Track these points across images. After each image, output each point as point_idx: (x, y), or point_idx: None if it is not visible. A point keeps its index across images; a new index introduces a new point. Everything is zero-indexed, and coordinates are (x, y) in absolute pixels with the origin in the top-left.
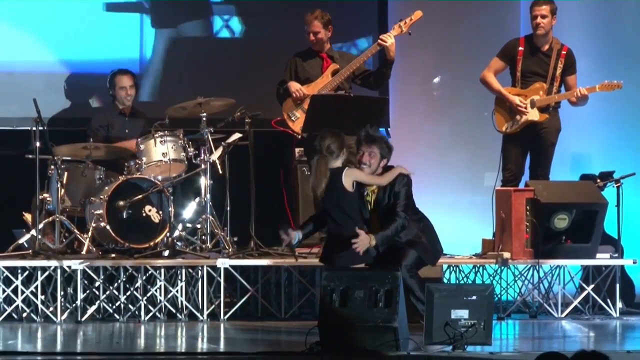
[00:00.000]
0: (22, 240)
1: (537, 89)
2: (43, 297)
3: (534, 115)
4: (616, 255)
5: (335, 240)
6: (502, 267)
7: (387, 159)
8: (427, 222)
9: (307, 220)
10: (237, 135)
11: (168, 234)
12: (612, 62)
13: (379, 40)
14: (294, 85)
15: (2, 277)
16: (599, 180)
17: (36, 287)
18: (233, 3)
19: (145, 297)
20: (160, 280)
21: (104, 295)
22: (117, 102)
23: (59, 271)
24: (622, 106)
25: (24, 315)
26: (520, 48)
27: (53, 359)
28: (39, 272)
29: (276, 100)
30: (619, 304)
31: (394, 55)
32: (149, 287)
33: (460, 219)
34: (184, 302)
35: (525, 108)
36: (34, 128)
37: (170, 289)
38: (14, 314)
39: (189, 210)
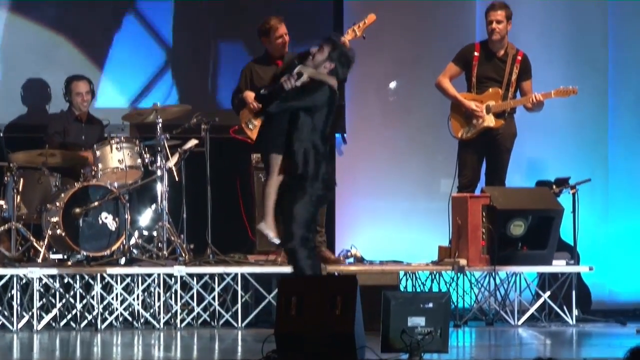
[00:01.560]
0: None
1: (492, 94)
2: None
3: (489, 121)
4: (572, 262)
5: None
6: (459, 275)
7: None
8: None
9: None
10: (193, 142)
11: (124, 242)
12: (569, 67)
13: None
14: (250, 97)
15: None
16: (554, 187)
17: None
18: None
19: (101, 305)
20: (116, 288)
21: (60, 304)
22: (74, 108)
23: (15, 279)
24: (578, 112)
25: None
26: (476, 53)
27: None
28: None
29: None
30: (576, 311)
31: None
32: (105, 295)
33: (416, 226)
34: (141, 311)
35: (481, 113)
36: None
37: (127, 297)
38: None
39: (146, 217)
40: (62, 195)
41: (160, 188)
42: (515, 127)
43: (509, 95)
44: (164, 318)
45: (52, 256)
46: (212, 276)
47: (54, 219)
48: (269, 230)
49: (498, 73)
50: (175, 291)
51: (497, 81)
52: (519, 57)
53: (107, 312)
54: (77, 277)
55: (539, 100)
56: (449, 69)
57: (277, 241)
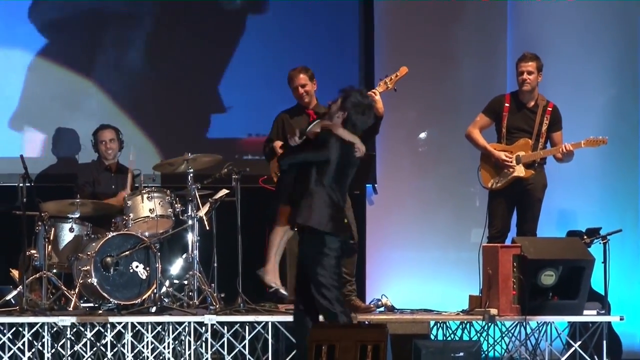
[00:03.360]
0: (9, 297)
1: (522, 145)
2: (30, 354)
3: (519, 171)
4: (603, 311)
5: None
6: (489, 324)
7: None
8: None
9: None
10: (224, 192)
11: (155, 290)
12: (600, 118)
13: None
14: (279, 146)
15: None
16: (585, 237)
17: (23, 344)
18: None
19: (132, 354)
20: (147, 337)
21: (91, 352)
22: (102, 158)
23: (46, 327)
24: (609, 162)
25: None
26: (506, 104)
27: None
28: (26, 329)
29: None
30: None
31: (382, 112)
32: (136, 343)
33: (446, 275)
34: (171, 359)
35: (511, 163)
36: (21, 184)
37: (158, 345)
38: None
39: (176, 266)
40: (93, 244)
41: (191, 237)
42: (546, 177)
43: (539, 146)
44: None
45: (83, 305)
46: (242, 325)
47: (85, 268)
48: (267, 276)
49: (528, 124)
50: (206, 340)
51: (527, 132)
52: (549, 109)
53: None
54: (108, 325)
55: (569, 150)
56: (479, 119)
57: (275, 286)
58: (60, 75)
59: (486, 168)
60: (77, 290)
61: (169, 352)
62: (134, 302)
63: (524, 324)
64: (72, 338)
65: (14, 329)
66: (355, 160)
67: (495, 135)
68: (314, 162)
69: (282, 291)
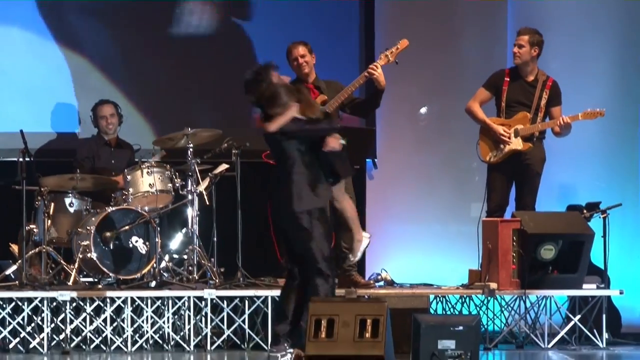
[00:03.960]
0: (8, 272)
1: (521, 118)
2: (30, 328)
3: (517, 144)
4: (603, 285)
5: None
6: (489, 298)
7: None
8: None
9: None
10: (224, 166)
11: (155, 265)
12: (602, 93)
13: (367, 71)
14: None
15: None
16: (585, 211)
17: (23, 319)
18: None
19: (132, 328)
20: (147, 311)
21: (91, 327)
22: (102, 133)
23: (45, 302)
24: (609, 137)
25: (11, 346)
26: (506, 79)
27: None
28: (26, 304)
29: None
30: (606, 335)
31: (384, 85)
32: (135, 318)
33: (447, 250)
34: (171, 333)
35: (509, 137)
36: (21, 159)
37: (157, 319)
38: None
39: (176, 241)
40: (93, 219)
41: (191, 212)
42: (544, 151)
43: (538, 119)
44: (194, 341)
45: (83, 279)
46: (242, 299)
47: (85, 243)
48: None
49: (527, 97)
50: (206, 314)
51: (526, 105)
52: (549, 83)
53: (137, 335)
54: (108, 300)
55: (566, 123)
56: (479, 93)
57: None
58: (57, 52)
59: (485, 141)
60: (76, 264)
61: (168, 327)
62: (133, 276)
63: (524, 298)
64: (72, 313)
65: (14, 303)
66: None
67: (495, 109)
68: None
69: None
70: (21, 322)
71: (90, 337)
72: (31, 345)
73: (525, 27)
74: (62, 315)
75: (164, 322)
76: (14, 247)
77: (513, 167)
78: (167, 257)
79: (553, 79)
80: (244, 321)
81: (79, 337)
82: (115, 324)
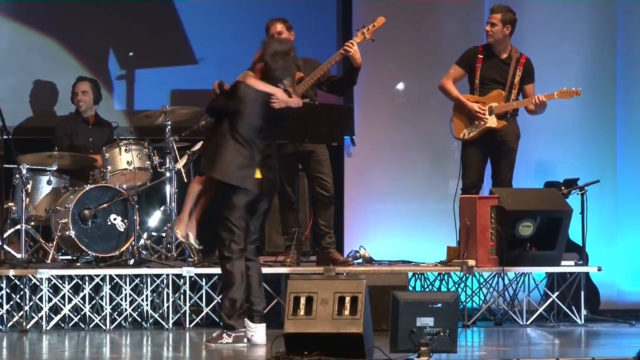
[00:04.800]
0: None
1: (495, 96)
2: (8, 306)
3: (492, 122)
4: (581, 262)
5: None
6: (467, 275)
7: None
8: None
9: None
10: (202, 144)
11: (133, 243)
12: (577, 69)
13: (343, 49)
14: None
15: None
16: (563, 188)
17: (1, 296)
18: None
19: (110, 306)
20: (125, 289)
21: (70, 305)
22: (81, 110)
23: (24, 280)
24: (586, 113)
25: None
26: (480, 56)
27: None
28: (4, 281)
29: None
30: (584, 311)
31: (360, 62)
32: (114, 295)
33: (425, 227)
34: (150, 311)
35: (484, 114)
36: None
37: (136, 297)
38: None
39: (154, 218)
40: (71, 196)
41: (169, 190)
42: (519, 128)
43: (512, 97)
44: (172, 319)
45: (61, 257)
46: (220, 277)
47: (63, 221)
48: (177, 226)
49: (501, 75)
50: (184, 292)
51: (500, 83)
52: (523, 60)
53: (116, 313)
54: (86, 278)
55: (541, 101)
56: (453, 71)
57: (181, 237)
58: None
59: (459, 118)
60: (55, 242)
61: (147, 305)
62: (112, 254)
63: (502, 274)
64: (50, 291)
65: None
66: (274, 111)
67: (469, 86)
68: (226, 113)
69: (192, 241)
70: (0, 300)
71: (68, 315)
72: (10, 324)
73: (498, 5)
74: (41, 294)
75: (142, 300)
76: None
77: (487, 144)
78: (145, 235)
79: (526, 56)
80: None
81: (58, 316)
82: (93, 302)
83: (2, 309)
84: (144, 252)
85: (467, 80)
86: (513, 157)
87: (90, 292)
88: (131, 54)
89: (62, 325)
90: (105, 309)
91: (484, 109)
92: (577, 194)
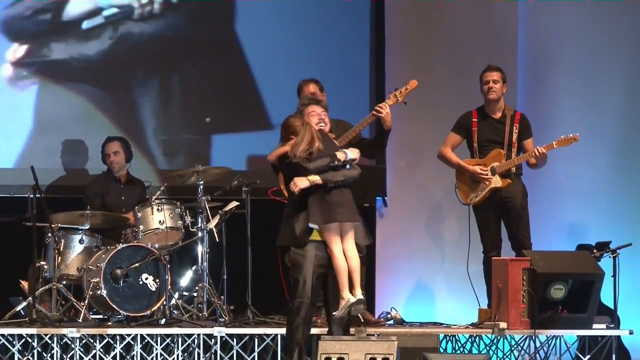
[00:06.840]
0: (18, 308)
1: (495, 156)
2: None
3: (496, 181)
4: (612, 325)
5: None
6: (499, 337)
7: None
8: None
9: None
10: (234, 204)
11: (165, 302)
12: (611, 129)
13: (375, 110)
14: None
15: None
16: (595, 251)
17: (32, 356)
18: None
19: None
20: (156, 349)
21: None
22: (114, 171)
23: (55, 339)
24: (619, 176)
25: None
26: (474, 119)
27: None
28: (36, 340)
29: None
30: None
31: (390, 125)
32: (145, 355)
33: (456, 288)
34: None
35: (487, 174)
36: (31, 195)
37: (167, 357)
38: None
39: (186, 278)
40: (103, 255)
41: (201, 249)
42: (524, 186)
43: (512, 155)
44: None
45: (93, 316)
46: (252, 337)
47: (95, 280)
48: None
49: (498, 135)
50: (215, 352)
51: (498, 143)
52: (517, 117)
53: None
54: (117, 337)
55: (541, 153)
56: (450, 138)
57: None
58: (63, 91)
59: (463, 183)
60: (86, 301)
61: None
62: (143, 314)
63: (533, 337)
64: (81, 350)
65: (23, 340)
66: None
67: (469, 151)
68: None
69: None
70: (30, 359)
71: None
72: None
73: (493, 64)
74: (72, 353)
75: None
76: (24, 284)
77: (496, 204)
78: (177, 295)
79: (521, 112)
80: (253, 359)
81: None
82: None
83: None
84: (175, 311)
85: (466, 145)
86: (525, 214)
87: (122, 351)
88: (208, 119)
89: None
90: None
91: (485, 169)
92: (609, 257)
